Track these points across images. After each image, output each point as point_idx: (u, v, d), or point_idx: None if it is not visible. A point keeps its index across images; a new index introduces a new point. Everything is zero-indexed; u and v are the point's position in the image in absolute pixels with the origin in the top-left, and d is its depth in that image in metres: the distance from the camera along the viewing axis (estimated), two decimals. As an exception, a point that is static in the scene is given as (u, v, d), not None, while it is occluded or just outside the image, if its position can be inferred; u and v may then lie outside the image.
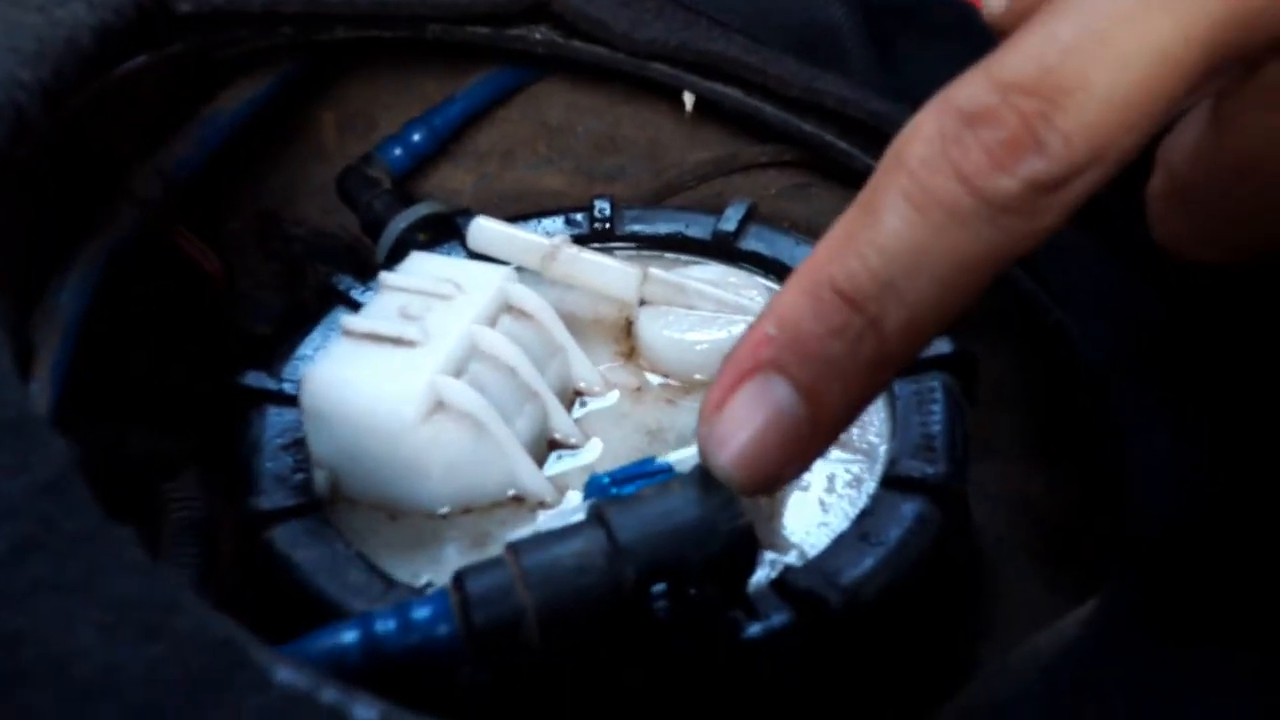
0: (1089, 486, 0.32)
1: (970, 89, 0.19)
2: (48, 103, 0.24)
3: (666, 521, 0.23)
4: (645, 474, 0.26)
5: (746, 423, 0.21)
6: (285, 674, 0.16)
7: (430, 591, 0.26)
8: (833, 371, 0.20)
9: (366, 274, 0.36)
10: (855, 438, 0.31)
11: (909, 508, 0.27)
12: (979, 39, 0.42)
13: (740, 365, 0.21)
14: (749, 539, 0.23)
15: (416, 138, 0.42)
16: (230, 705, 0.16)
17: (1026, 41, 0.19)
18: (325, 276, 0.37)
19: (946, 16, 0.42)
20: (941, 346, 0.32)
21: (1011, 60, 0.19)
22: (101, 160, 0.32)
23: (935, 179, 0.19)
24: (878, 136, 0.39)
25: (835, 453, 0.31)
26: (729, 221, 0.38)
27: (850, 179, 0.42)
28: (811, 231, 0.42)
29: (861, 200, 0.20)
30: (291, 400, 0.31)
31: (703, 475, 0.23)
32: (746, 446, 0.21)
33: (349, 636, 0.22)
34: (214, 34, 0.33)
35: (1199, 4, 0.19)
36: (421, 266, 0.33)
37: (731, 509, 0.23)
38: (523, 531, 0.27)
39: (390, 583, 0.26)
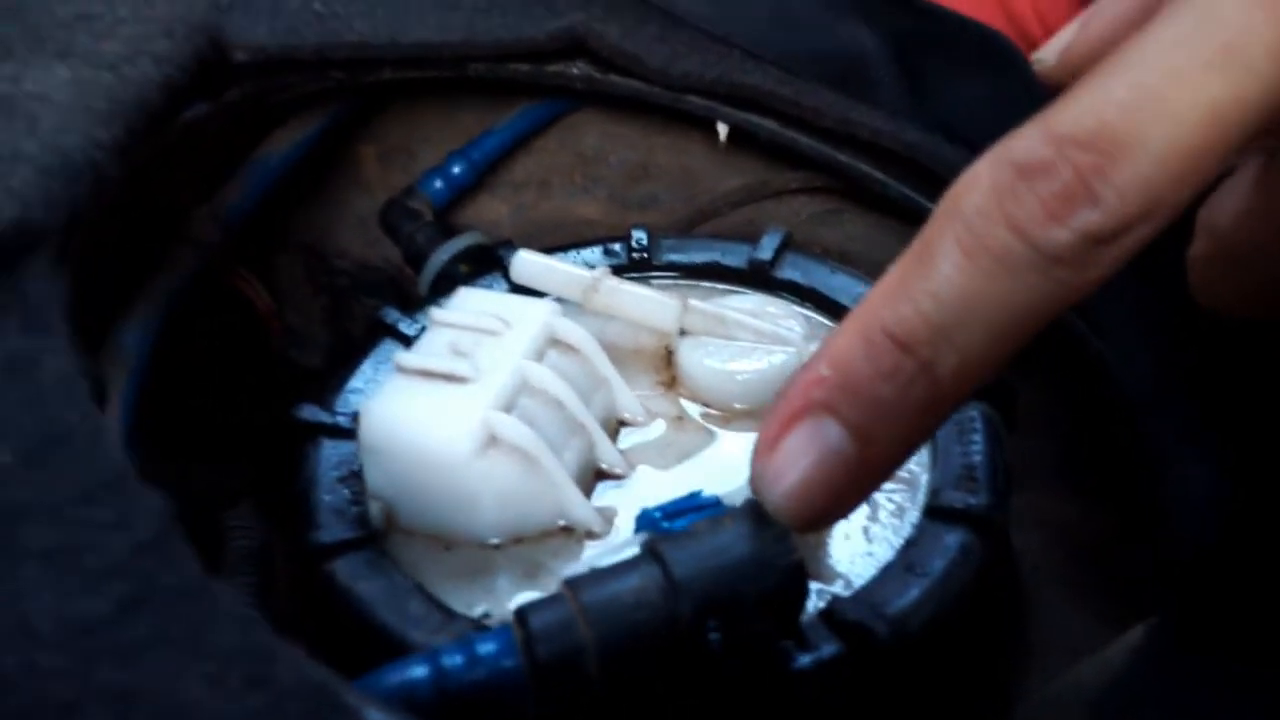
0: (1126, 516, 0.32)
1: (1026, 142, 0.20)
2: (121, 159, 0.25)
3: (721, 558, 0.24)
4: (694, 508, 0.27)
5: (799, 461, 0.22)
6: (376, 716, 0.17)
7: (490, 624, 0.26)
8: (884, 414, 0.21)
9: (410, 305, 0.37)
10: (895, 467, 0.32)
11: (952, 538, 0.28)
12: (1006, 67, 0.43)
13: (793, 404, 0.22)
14: (801, 574, 0.24)
15: (456, 170, 0.43)
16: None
17: (1082, 96, 0.20)
18: (371, 309, 0.38)
19: (974, 45, 0.42)
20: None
21: (1067, 114, 0.20)
22: (163, 206, 0.33)
23: (990, 228, 0.20)
24: (913, 166, 0.40)
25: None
26: (765, 250, 0.39)
27: (883, 205, 0.43)
28: (845, 257, 0.43)
29: (916, 248, 0.21)
30: (345, 433, 0.32)
31: (755, 511, 0.24)
32: (798, 484, 0.22)
33: (419, 672, 0.23)
34: (268, 80, 0.34)
35: (1252, 66, 0.20)
36: (469, 302, 0.34)
37: (784, 544, 0.24)
38: (574, 566, 0.28)
39: (449, 614, 0.27)
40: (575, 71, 0.40)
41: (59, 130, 0.24)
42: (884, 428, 0.21)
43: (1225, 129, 0.20)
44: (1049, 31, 0.54)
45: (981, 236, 0.20)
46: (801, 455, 0.22)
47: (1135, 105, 0.20)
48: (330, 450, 0.32)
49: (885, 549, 0.29)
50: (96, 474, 0.19)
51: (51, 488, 0.18)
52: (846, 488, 0.22)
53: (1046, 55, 0.31)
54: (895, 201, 0.41)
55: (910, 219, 0.42)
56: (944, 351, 0.20)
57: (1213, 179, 0.21)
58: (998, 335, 0.20)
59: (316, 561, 0.29)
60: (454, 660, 0.23)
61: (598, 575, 0.24)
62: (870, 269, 0.42)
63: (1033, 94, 0.42)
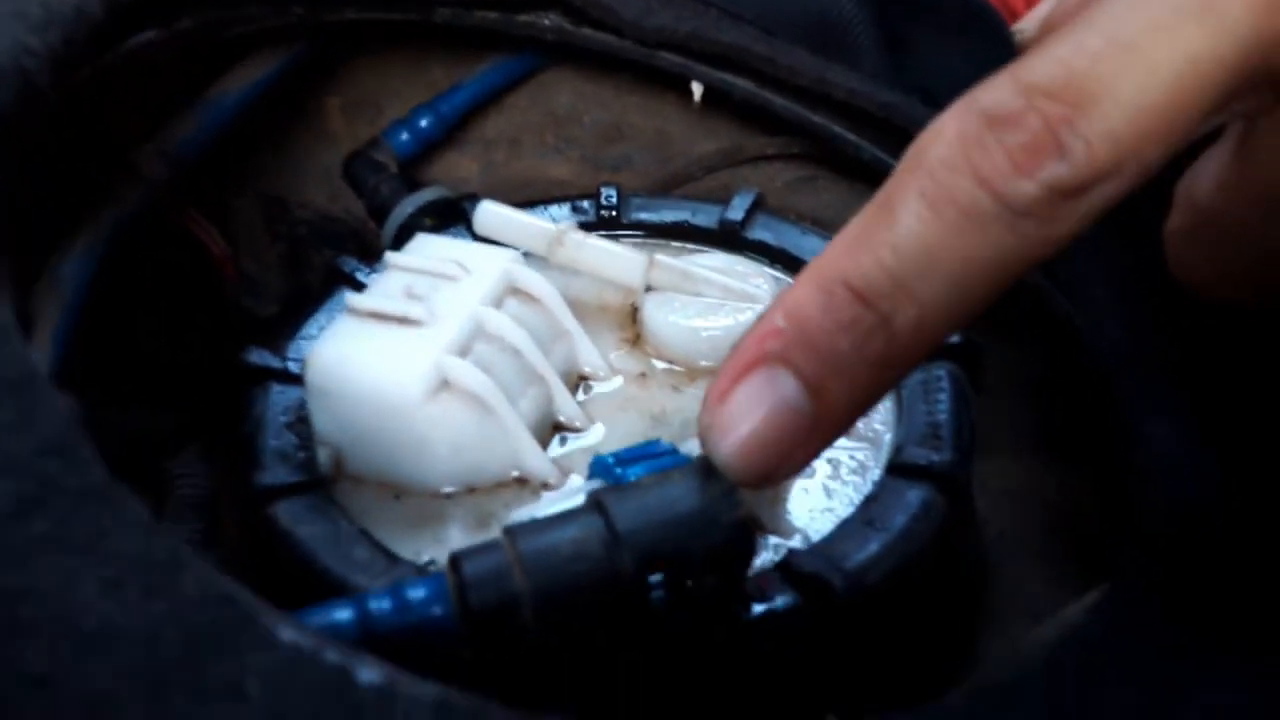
0: (1094, 481, 0.32)
1: (995, 92, 0.19)
2: (56, 71, 0.24)
3: (666, 511, 0.23)
4: (650, 455, 0.26)
5: (750, 414, 0.21)
6: (290, 633, 0.16)
7: (433, 570, 0.25)
8: (840, 367, 0.20)
9: (372, 258, 0.36)
10: (861, 425, 0.31)
11: (914, 494, 0.27)
12: (988, 33, 0.42)
13: (746, 356, 0.21)
14: (748, 531, 0.23)
15: (424, 124, 0.42)
16: (233, 662, 0.16)
17: (1054, 47, 0.19)
18: (330, 259, 0.37)
19: (956, 10, 0.42)
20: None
21: (1038, 65, 0.19)
22: (107, 135, 0.32)
23: (954, 180, 0.19)
24: (887, 128, 0.39)
25: (842, 441, 0.31)
26: (736, 210, 0.38)
27: (858, 171, 0.42)
28: (819, 223, 0.42)
29: (879, 199, 0.20)
30: (295, 378, 0.31)
31: (704, 465, 0.23)
32: (748, 438, 0.21)
33: (344, 614, 0.22)
34: (224, 11, 0.33)
35: (1230, 21, 0.19)
36: (427, 248, 0.33)
37: (731, 500, 0.23)
38: (525, 513, 0.27)
39: (393, 559, 0.26)
40: (547, 23, 0.39)
41: (-14, 33, 0.23)
42: (839, 381, 0.20)
43: (1199, 84, 0.19)
44: (1031, 1, 0.54)
45: (946, 188, 0.19)
46: (753, 407, 0.21)
47: (1108, 56, 0.19)
48: (279, 395, 0.31)
49: (846, 505, 0.28)
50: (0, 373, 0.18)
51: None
52: (798, 442, 0.21)
53: (1027, 25, 0.30)
54: (870, 166, 0.40)
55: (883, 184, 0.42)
56: (903, 304, 0.20)
57: (1186, 139, 0.20)
58: (960, 289, 0.20)
59: (259, 505, 0.28)
60: (381, 605, 0.22)
61: (538, 524, 0.23)
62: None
63: (1013, 60, 0.41)
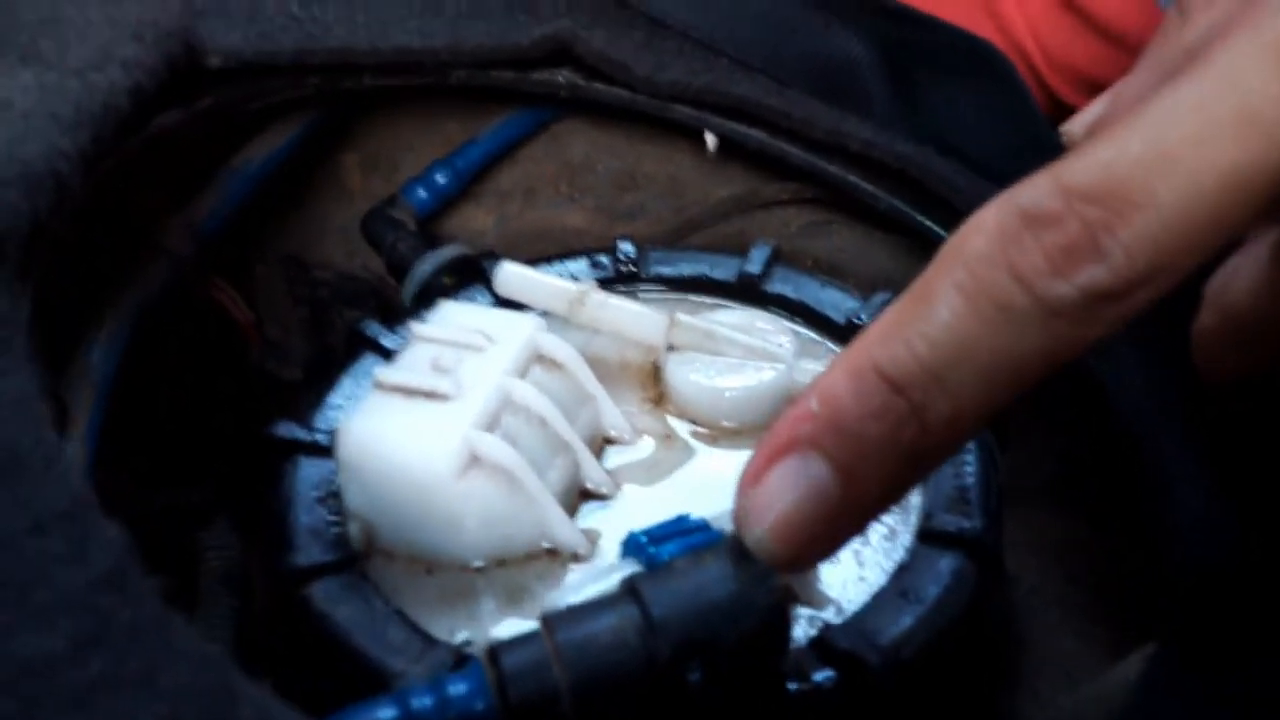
0: (1124, 536, 0.32)
1: (1035, 191, 0.20)
2: (87, 169, 0.24)
3: (701, 597, 0.23)
4: (682, 532, 0.26)
5: (782, 498, 0.21)
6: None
7: (472, 650, 0.26)
8: (870, 454, 0.20)
9: (392, 317, 0.36)
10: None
11: (946, 563, 0.27)
12: (996, 78, 0.42)
13: (779, 440, 0.21)
14: (783, 616, 0.23)
15: (440, 179, 0.43)
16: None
17: (1096, 150, 0.20)
18: (352, 321, 0.37)
19: (964, 54, 0.42)
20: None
21: (1080, 167, 0.19)
22: (132, 216, 0.32)
23: (992, 275, 0.19)
24: (903, 179, 0.39)
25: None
26: (754, 263, 0.38)
27: (873, 218, 0.42)
28: (834, 269, 0.43)
29: (915, 288, 0.20)
30: (324, 451, 0.31)
31: (737, 547, 0.23)
32: (781, 521, 0.21)
33: (387, 714, 0.22)
34: (244, 87, 0.33)
35: (1271, 133, 0.19)
36: (452, 316, 0.33)
37: (767, 584, 0.23)
38: (559, 590, 0.27)
39: (429, 640, 0.26)
40: (560, 79, 0.40)
41: (20, 139, 0.23)
42: (870, 468, 0.21)
43: (1239, 195, 0.19)
44: (1039, 42, 0.54)
45: (983, 282, 0.19)
46: (785, 491, 0.21)
47: (1149, 164, 0.19)
48: (308, 469, 0.31)
49: (877, 574, 0.28)
50: (50, 503, 0.18)
51: (2, 517, 0.17)
52: (829, 527, 0.21)
53: (1074, 129, 0.31)
54: (885, 214, 0.40)
55: (900, 231, 0.42)
56: (935, 396, 0.20)
57: (1223, 247, 0.20)
58: (992, 383, 0.20)
59: (293, 585, 0.28)
60: (423, 701, 0.22)
61: (574, 613, 0.23)
62: (860, 282, 0.41)
63: (1023, 104, 0.42)
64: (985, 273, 0.19)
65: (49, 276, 0.24)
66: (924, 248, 0.42)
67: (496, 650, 0.23)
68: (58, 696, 0.16)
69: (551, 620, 0.23)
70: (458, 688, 0.22)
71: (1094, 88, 0.52)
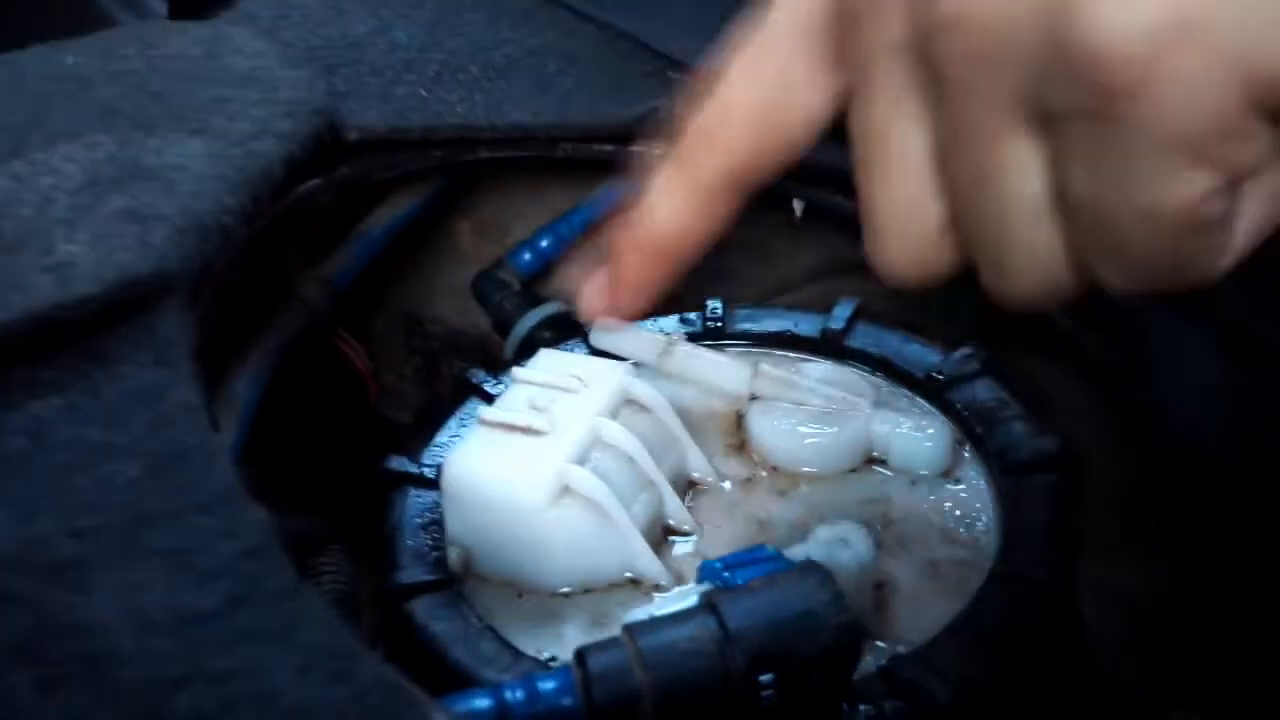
0: (1208, 589, 0.32)
1: None
2: (245, 224, 0.28)
3: (775, 612, 0.24)
4: (756, 561, 0.28)
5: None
6: (441, 717, 0.18)
7: (554, 666, 0.27)
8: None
9: (496, 368, 0.39)
10: (964, 532, 0.32)
11: (1014, 603, 0.28)
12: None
13: None
14: (854, 633, 0.24)
15: (544, 244, 0.46)
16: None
17: None
18: (460, 370, 0.41)
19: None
20: (1049, 445, 0.33)
21: None
22: (276, 269, 0.37)
23: None
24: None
25: (944, 546, 0.32)
26: (837, 320, 0.40)
27: (956, 278, 0.43)
28: (917, 329, 0.44)
29: None
30: (430, 484, 0.34)
31: (812, 570, 0.24)
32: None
33: (483, 703, 0.24)
34: (376, 159, 0.38)
35: None
36: (549, 362, 0.36)
37: (839, 603, 0.24)
38: (638, 613, 0.29)
39: (517, 655, 0.28)
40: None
41: (194, 195, 0.27)
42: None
43: None
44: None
45: None
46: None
47: None
48: (415, 499, 0.34)
49: (948, 613, 0.29)
50: (211, 488, 0.21)
51: (172, 498, 0.21)
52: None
53: None
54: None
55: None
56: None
57: None
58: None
59: (397, 600, 0.30)
60: (516, 695, 0.24)
61: (656, 622, 0.25)
62: (945, 341, 0.42)
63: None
64: None
65: (209, 315, 0.28)
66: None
67: (583, 652, 0.24)
68: (212, 643, 0.19)
69: (634, 627, 0.25)
70: (547, 685, 0.24)
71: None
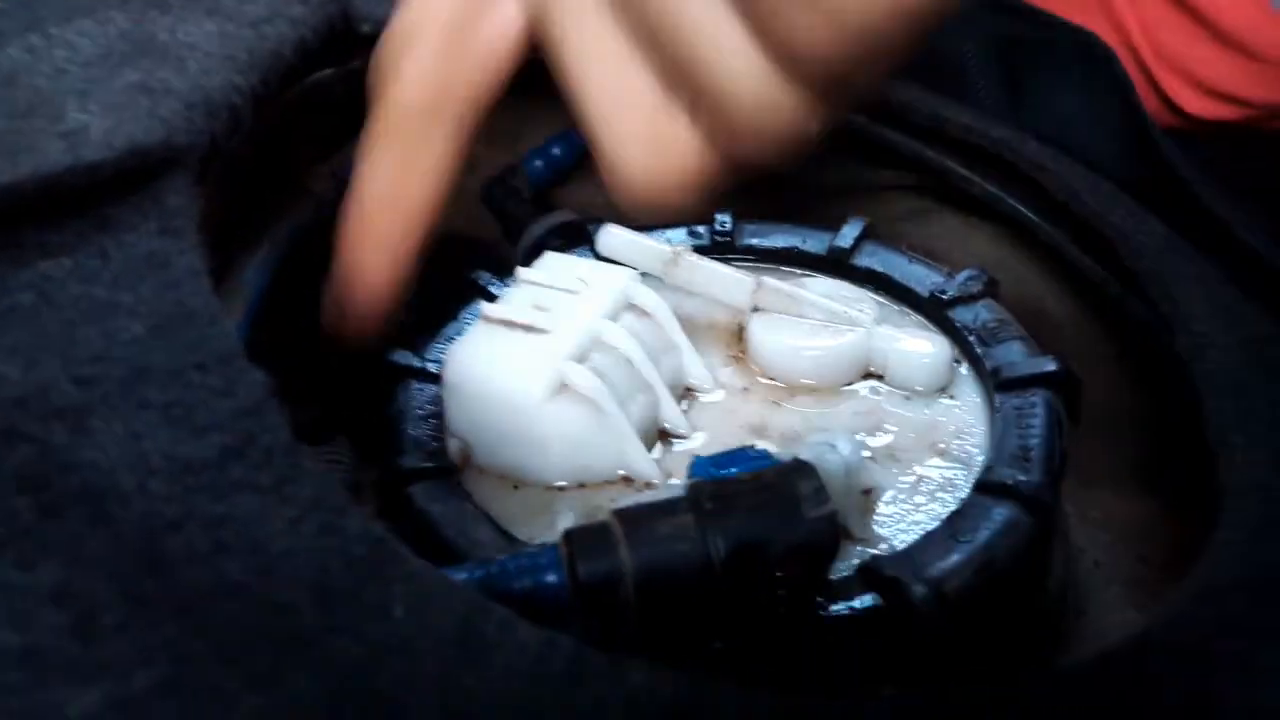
0: (1196, 522, 0.32)
1: None
2: (256, 105, 0.28)
3: (757, 504, 0.25)
4: (745, 459, 0.28)
5: None
6: (429, 573, 0.19)
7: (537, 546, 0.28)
8: None
9: (504, 272, 0.39)
10: (954, 446, 0.32)
11: (999, 511, 0.28)
12: (1101, 74, 0.43)
13: None
14: (833, 526, 0.25)
15: (556, 151, 0.46)
16: (384, 586, 0.19)
17: None
18: (467, 272, 0.41)
19: (1069, 49, 0.42)
20: (1047, 365, 0.33)
21: None
22: (287, 157, 0.37)
23: None
24: (1000, 164, 0.40)
25: (934, 459, 0.32)
26: (844, 238, 0.40)
27: (971, 206, 0.43)
28: (929, 253, 0.44)
29: None
30: (433, 377, 0.34)
31: (794, 465, 0.25)
32: None
33: (468, 574, 0.25)
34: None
35: None
36: (555, 265, 0.36)
37: (819, 497, 0.25)
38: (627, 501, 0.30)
39: (511, 540, 0.29)
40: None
41: (204, 72, 0.27)
42: None
43: None
44: (1151, 41, 0.53)
45: None
46: None
47: None
48: (418, 391, 0.35)
49: (933, 520, 0.29)
50: (211, 348, 0.22)
51: (174, 355, 0.21)
52: None
53: None
54: (981, 200, 0.41)
55: (997, 220, 0.42)
56: None
57: None
58: None
59: (399, 484, 0.31)
60: (503, 568, 0.25)
61: (642, 509, 0.26)
62: (953, 266, 0.42)
63: (1124, 99, 0.42)
64: None
65: (217, 193, 0.28)
66: (1020, 235, 0.42)
67: (571, 532, 0.25)
68: (207, 490, 0.19)
69: (621, 512, 0.25)
70: (535, 560, 0.25)
71: (1209, 90, 0.51)
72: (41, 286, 0.22)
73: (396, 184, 0.28)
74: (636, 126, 0.25)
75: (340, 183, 0.38)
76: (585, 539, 0.25)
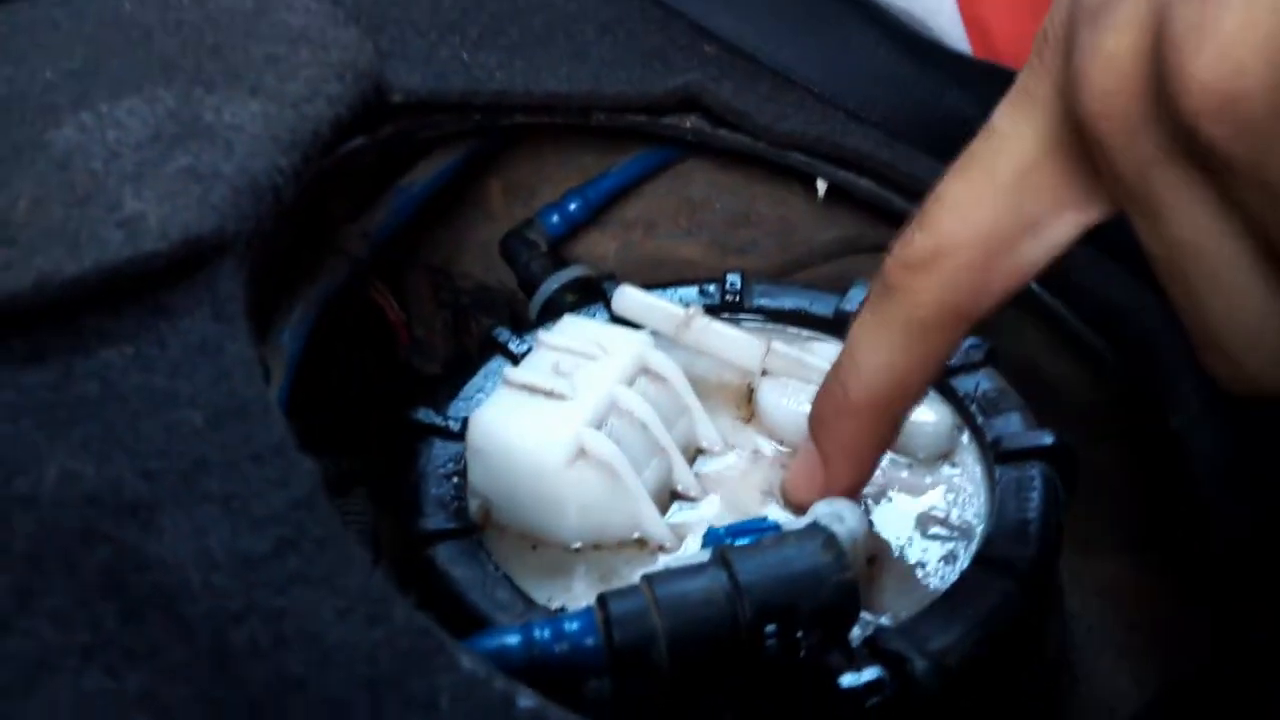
0: (1190, 589, 0.33)
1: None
2: (296, 183, 0.30)
3: (782, 569, 0.26)
4: (757, 529, 0.30)
5: None
6: (469, 661, 0.21)
7: (574, 611, 0.30)
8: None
9: (521, 326, 0.41)
10: (955, 518, 0.34)
11: (997, 586, 0.30)
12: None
13: None
14: (854, 590, 0.26)
15: (572, 207, 0.47)
16: (428, 679, 0.20)
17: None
18: (486, 327, 0.42)
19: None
20: (1045, 438, 0.34)
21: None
22: (320, 222, 0.38)
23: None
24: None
25: (935, 528, 0.33)
26: (851, 301, 0.41)
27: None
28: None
29: None
30: (455, 436, 0.36)
31: (816, 532, 0.26)
32: None
33: (512, 639, 0.26)
34: (418, 120, 0.39)
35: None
36: (572, 329, 0.38)
37: (840, 563, 0.26)
38: (645, 570, 0.31)
39: (530, 603, 0.31)
40: (688, 125, 0.44)
41: (250, 156, 0.29)
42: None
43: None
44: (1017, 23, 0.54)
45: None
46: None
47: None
48: (440, 450, 0.36)
49: (934, 592, 0.31)
50: (266, 440, 0.23)
51: (230, 447, 0.23)
52: None
53: None
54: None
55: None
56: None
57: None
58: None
59: (419, 545, 0.33)
60: (543, 633, 0.26)
61: (671, 574, 0.27)
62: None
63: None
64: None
65: (260, 269, 0.30)
66: (1019, 297, 0.44)
67: (604, 597, 0.27)
68: (266, 583, 0.21)
69: (651, 577, 0.27)
70: (572, 625, 0.26)
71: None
72: (104, 375, 0.23)
73: (899, 370, 0.28)
74: (1262, 349, 0.22)
75: (371, 243, 0.40)
76: (619, 605, 0.26)
